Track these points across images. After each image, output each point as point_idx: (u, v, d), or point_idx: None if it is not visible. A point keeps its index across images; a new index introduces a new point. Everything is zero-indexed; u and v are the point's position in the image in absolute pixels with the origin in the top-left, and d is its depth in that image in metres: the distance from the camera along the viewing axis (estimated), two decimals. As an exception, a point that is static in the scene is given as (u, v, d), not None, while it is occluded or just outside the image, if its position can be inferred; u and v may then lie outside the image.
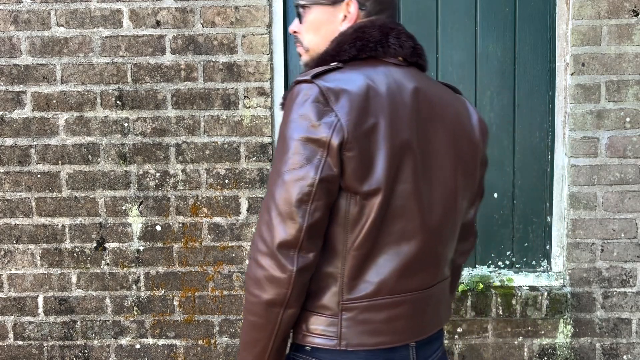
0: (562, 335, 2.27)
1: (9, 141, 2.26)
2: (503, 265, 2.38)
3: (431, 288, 1.21)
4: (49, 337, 2.32)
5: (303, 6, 1.27)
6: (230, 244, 2.27)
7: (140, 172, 2.26)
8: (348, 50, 1.19)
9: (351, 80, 1.12)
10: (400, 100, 1.14)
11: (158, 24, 2.21)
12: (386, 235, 1.13)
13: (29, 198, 2.28)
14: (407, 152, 1.12)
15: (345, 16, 1.24)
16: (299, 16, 1.29)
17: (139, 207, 2.28)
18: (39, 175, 2.27)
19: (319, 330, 1.14)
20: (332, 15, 1.26)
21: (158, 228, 2.28)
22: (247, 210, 2.26)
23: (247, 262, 2.20)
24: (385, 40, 1.19)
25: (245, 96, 2.22)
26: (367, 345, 1.14)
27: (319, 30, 1.27)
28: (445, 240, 1.22)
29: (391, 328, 1.15)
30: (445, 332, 2.28)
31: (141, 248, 2.29)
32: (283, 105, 1.16)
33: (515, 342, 2.28)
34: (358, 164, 1.07)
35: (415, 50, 1.22)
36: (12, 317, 2.33)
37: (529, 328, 2.27)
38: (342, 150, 1.07)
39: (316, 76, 1.12)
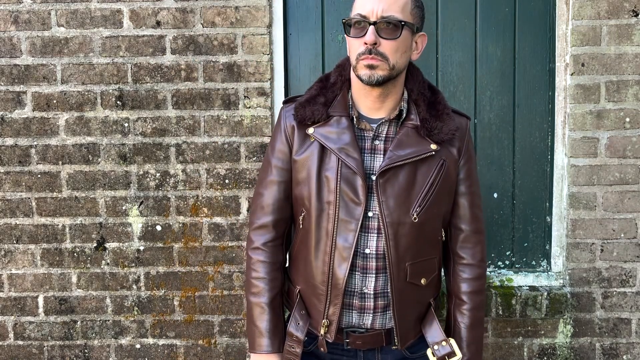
0: (562, 335, 2.28)
1: (9, 141, 2.26)
2: (503, 265, 2.38)
3: None
4: (49, 337, 2.33)
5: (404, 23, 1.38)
6: (230, 244, 2.27)
7: (141, 172, 2.27)
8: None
9: None
10: None
11: (158, 24, 2.21)
12: None
13: (29, 198, 2.28)
14: None
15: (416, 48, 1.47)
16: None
17: (139, 207, 2.28)
18: (39, 175, 2.27)
19: None
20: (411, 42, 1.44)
21: (158, 228, 2.28)
22: (247, 210, 2.26)
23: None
24: None
25: (245, 96, 2.23)
26: None
27: (405, 52, 1.42)
28: None
29: None
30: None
31: (141, 248, 2.29)
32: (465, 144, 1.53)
33: (515, 342, 2.29)
34: None
35: None
36: (13, 317, 2.33)
37: (529, 328, 2.28)
38: None
39: None
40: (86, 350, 2.33)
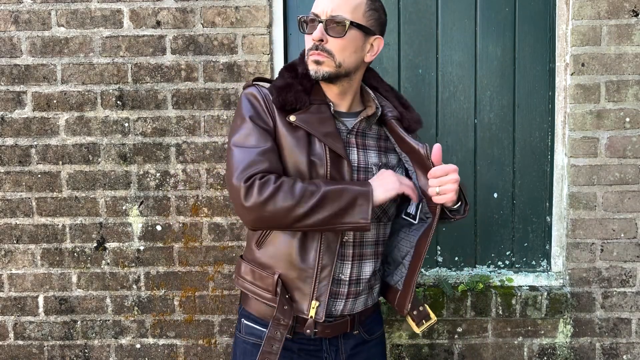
0: (562, 335, 2.28)
1: (10, 141, 2.26)
2: (503, 265, 2.38)
3: None
4: (49, 337, 2.33)
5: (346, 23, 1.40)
6: (230, 244, 2.27)
7: (141, 172, 2.27)
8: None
9: None
10: None
11: (158, 24, 2.21)
12: None
13: (29, 198, 2.28)
14: None
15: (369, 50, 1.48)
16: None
17: (139, 207, 2.28)
18: (39, 175, 2.27)
19: None
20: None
21: (158, 228, 2.28)
22: (247, 210, 2.26)
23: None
24: None
25: (245, 96, 2.22)
26: None
27: (355, 52, 1.45)
28: None
29: None
30: (445, 331, 2.28)
31: (141, 248, 2.29)
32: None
33: (515, 342, 2.29)
34: None
35: None
36: (13, 316, 2.33)
37: (529, 328, 2.28)
38: None
39: None
40: (86, 350, 2.33)
